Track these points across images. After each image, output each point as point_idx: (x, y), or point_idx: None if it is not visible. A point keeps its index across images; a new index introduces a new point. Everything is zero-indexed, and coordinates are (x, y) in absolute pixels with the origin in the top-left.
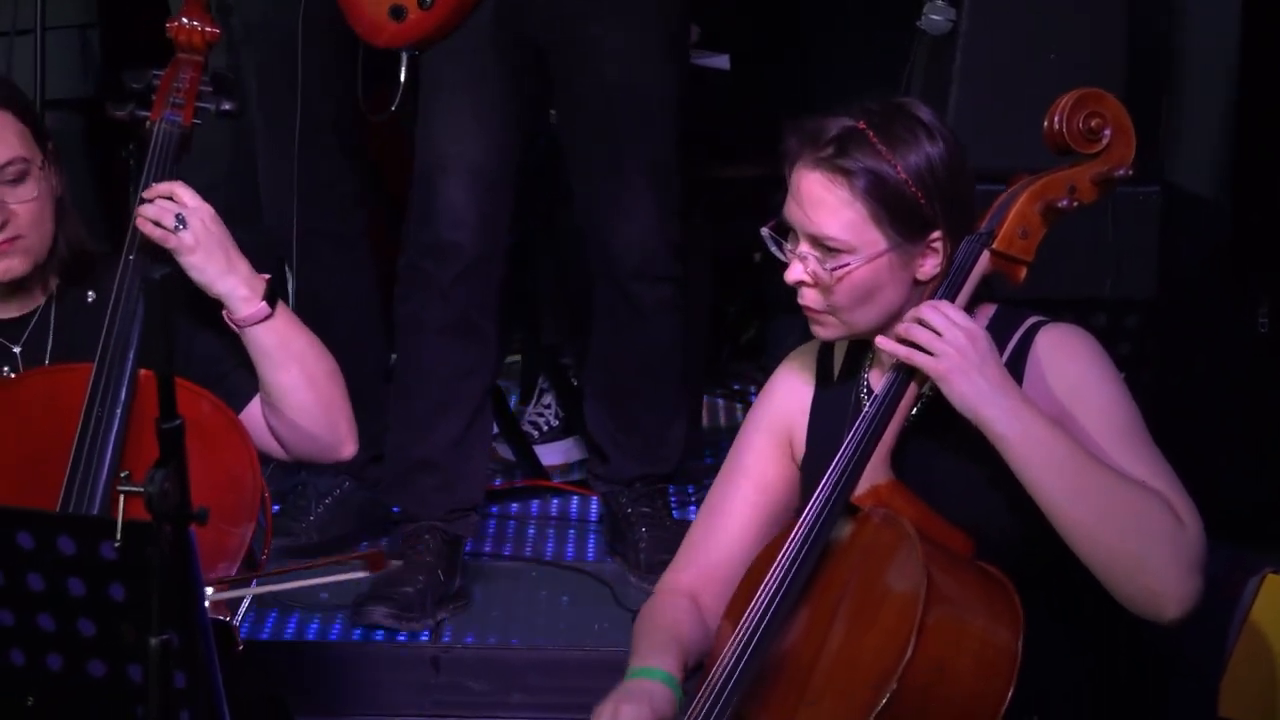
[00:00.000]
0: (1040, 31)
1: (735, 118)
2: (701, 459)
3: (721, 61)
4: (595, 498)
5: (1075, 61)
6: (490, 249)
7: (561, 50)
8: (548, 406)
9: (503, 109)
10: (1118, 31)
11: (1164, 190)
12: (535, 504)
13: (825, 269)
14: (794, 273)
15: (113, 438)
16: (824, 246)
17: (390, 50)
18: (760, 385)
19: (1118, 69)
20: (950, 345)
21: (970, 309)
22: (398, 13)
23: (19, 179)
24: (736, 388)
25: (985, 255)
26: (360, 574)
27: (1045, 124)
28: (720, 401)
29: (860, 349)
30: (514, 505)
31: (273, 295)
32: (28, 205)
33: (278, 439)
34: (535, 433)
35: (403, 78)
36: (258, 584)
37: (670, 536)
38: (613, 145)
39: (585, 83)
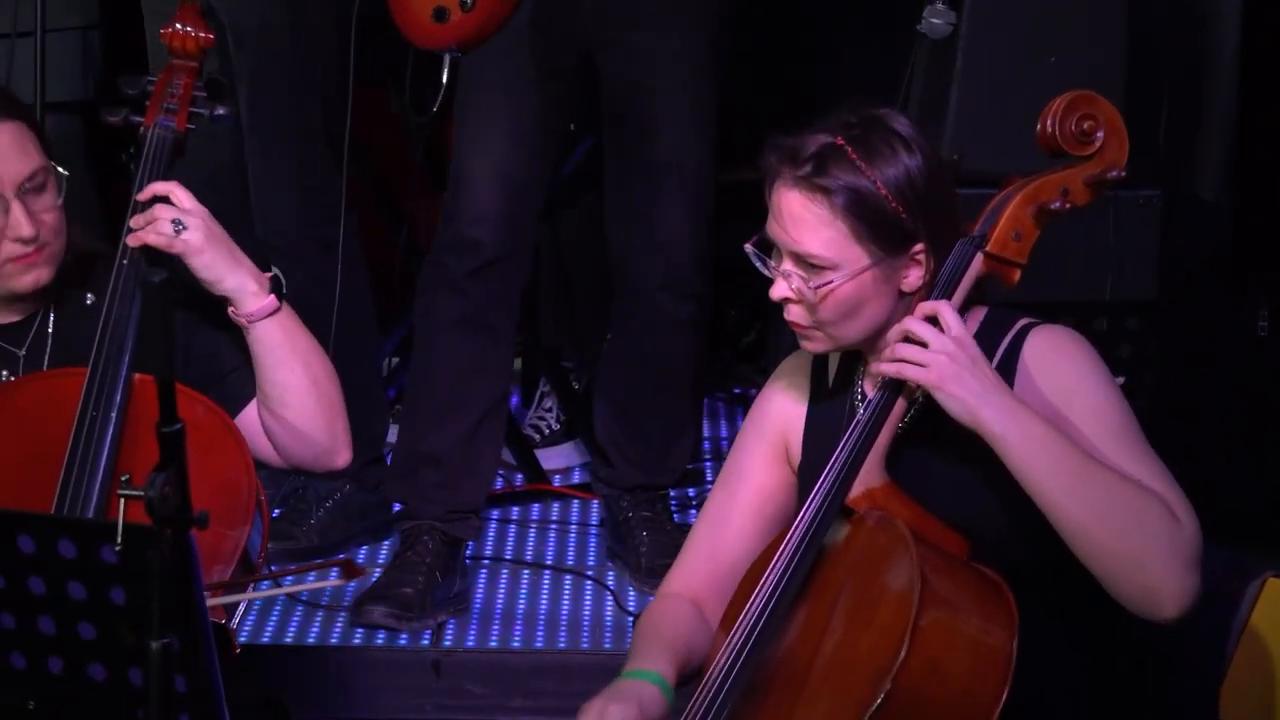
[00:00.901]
0: (1040, 35)
1: (737, 120)
2: (702, 463)
3: None
4: (596, 501)
5: (1075, 64)
6: (512, 249)
7: (604, 54)
8: (549, 410)
9: (536, 112)
10: (1117, 34)
11: (1165, 193)
12: (536, 507)
13: (809, 286)
14: (778, 290)
15: (107, 441)
16: (807, 264)
17: (433, 52)
18: (761, 388)
19: (1118, 72)
20: (939, 353)
21: (962, 312)
22: (440, 14)
23: (42, 188)
24: (737, 391)
25: (979, 258)
26: (336, 582)
27: (1038, 127)
28: (721, 405)
29: (854, 355)
30: (515, 509)
31: (278, 290)
32: (53, 213)
33: (274, 443)
34: (536, 436)
35: (444, 79)
36: (237, 592)
37: (671, 541)
38: (652, 152)
39: (630, 87)
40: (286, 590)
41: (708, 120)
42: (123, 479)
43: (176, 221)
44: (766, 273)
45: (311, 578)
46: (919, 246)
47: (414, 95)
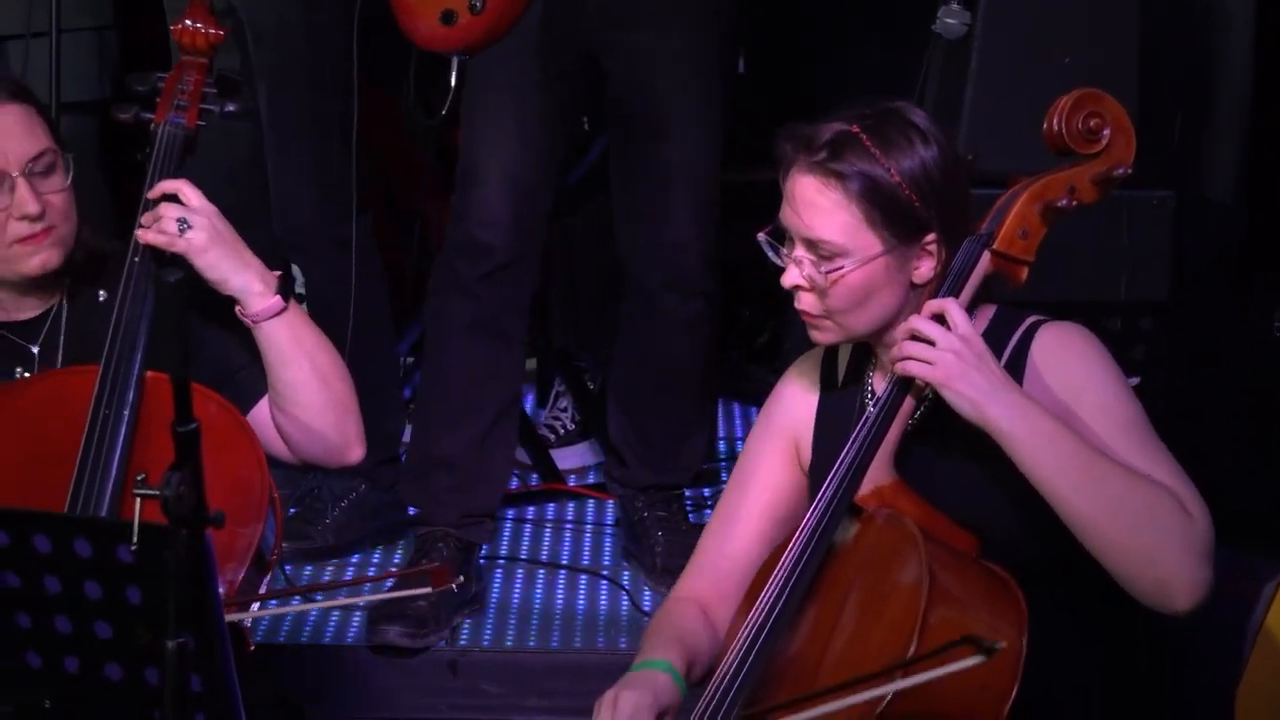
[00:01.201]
0: (1054, 35)
1: (749, 120)
2: (718, 463)
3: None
4: (611, 501)
5: (1089, 65)
6: (522, 252)
7: (609, 55)
8: (564, 410)
9: (543, 113)
10: (1131, 35)
11: (1177, 193)
12: (551, 507)
13: (820, 272)
14: (790, 277)
15: (120, 439)
16: (819, 250)
17: (441, 55)
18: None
19: (1131, 72)
20: (946, 351)
21: (971, 310)
22: (448, 17)
23: (50, 170)
24: (751, 391)
25: (986, 256)
26: (424, 589)
27: (1044, 125)
28: (736, 405)
29: (864, 354)
30: (530, 508)
31: (285, 290)
32: (60, 195)
33: (285, 440)
34: (551, 436)
35: (453, 83)
36: (319, 598)
37: (686, 541)
38: (657, 152)
39: (633, 88)
40: (375, 598)
41: (712, 120)
42: (138, 478)
43: (182, 220)
44: (778, 261)
45: (388, 585)
46: (931, 237)
47: (420, 97)
